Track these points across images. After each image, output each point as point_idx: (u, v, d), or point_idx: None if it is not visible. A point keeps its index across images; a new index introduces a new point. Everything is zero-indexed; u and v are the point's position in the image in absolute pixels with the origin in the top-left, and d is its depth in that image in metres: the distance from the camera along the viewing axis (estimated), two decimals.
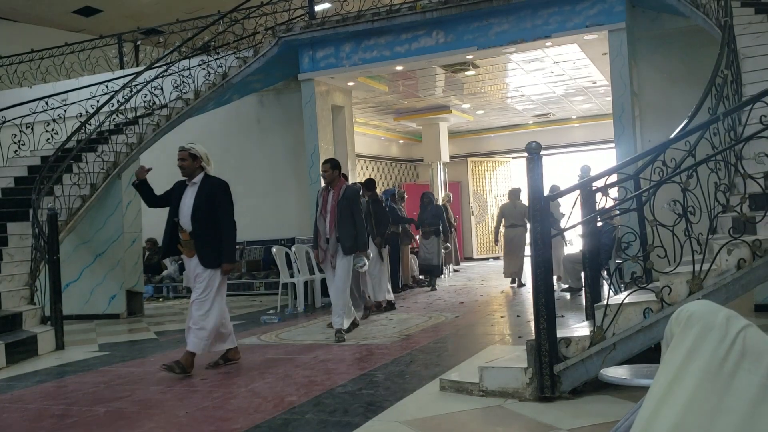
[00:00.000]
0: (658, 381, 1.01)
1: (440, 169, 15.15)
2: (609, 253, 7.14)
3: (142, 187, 5.03)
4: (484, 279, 11.66)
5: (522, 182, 11.63)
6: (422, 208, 10.49)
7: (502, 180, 17.74)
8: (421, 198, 10.71)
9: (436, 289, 9.91)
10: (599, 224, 4.33)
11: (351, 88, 10.80)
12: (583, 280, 5.70)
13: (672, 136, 3.80)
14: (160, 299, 10.97)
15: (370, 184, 8.28)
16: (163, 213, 11.51)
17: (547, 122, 16.20)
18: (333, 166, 6.06)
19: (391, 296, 8.01)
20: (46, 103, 8.88)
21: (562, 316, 6.39)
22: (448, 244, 11.62)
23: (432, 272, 10.22)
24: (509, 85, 12.37)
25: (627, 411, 1.20)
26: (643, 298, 3.59)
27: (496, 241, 10.41)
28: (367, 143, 15.90)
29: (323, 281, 8.94)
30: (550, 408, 3.41)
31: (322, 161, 9.64)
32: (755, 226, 3.55)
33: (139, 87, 9.07)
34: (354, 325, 6.28)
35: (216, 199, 4.86)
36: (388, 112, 14.21)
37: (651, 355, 3.63)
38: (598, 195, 3.98)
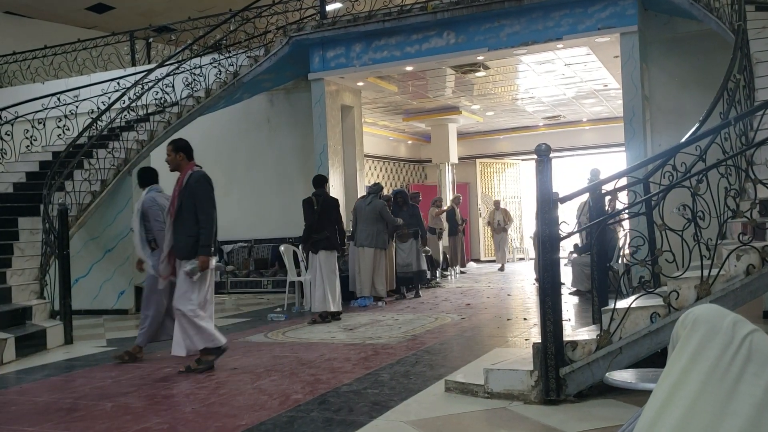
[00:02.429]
0: (662, 383, 1.01)
1: (448, 170, 15.15)
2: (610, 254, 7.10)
3: None
4: (491, 281, 11.64)
5: (531, 184, 11.52)
6: (396, 208, 9.45)
7: (510, 182, 17.72)
8: (394, 197, 9.68)
9: (420, 296, 9.01)
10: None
11: (360, 88, 10.82)
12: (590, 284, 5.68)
13: (683, 140, 3.79)
14: None
15: (319, 180, 7.35)
16: None
17: (557, 124, 16.16)
18: (176, 147, 4.86)
19: (335, 307, 7.07)
20: (58, 99, 8.96)
21: (569, 319, 6.37)
22: (427, 247, 10.67)
23: (413, 279, 9.17)
24: (520, 87, 12.36)
25: (632, 415, 1.20)
26: (651, 302, 3.58)
27: None
28: (376, 143, 15.91)
29: None
30: (555, 411, 3.41)
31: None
32: (765, 231, 3.53)
33: (150, 84, 9.13)
34: (200, 365, 4.74)
35: None
36: (397, 112, 14.23)
37: (657, 359, 3.62)
38: (607, 198, 3.97)
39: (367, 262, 8.43)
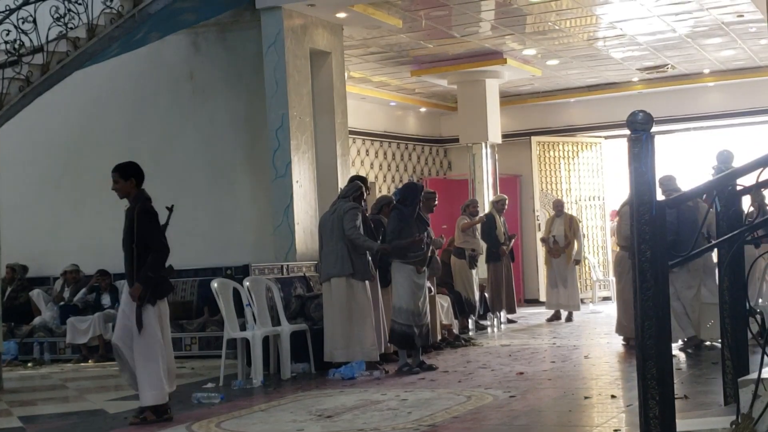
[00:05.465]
0: None
1: (486, 155, 15.16)
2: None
3: None
4: (558, 335, 11.63)
5: (621, 173, 11.29)
6: (407, 211, 8.54)
7: (588, 173, 17.73)
8: (404, 190, 9.00)
9: (435, 368, 8.57)
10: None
11: (342, 22, 10.84)
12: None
13: None
14: (29, 364, 10.99)
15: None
16: (38, 227, 11.26)
17: (662, 80, 16.25)
18: None
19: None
20: None
21: (685, 396, 6.37)
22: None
23: (413, 338, 8.47)
24: (601, 19, 12.41)
25: None
26: None
27: None
28: (368, 113, 15.96)
29: (296, 336, 8.83)
30: None
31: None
32: None
33: None
34: None
35: None
36: (403, 62, 14.27)
37: None
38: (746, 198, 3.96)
39: (338, 303, 8.33)
